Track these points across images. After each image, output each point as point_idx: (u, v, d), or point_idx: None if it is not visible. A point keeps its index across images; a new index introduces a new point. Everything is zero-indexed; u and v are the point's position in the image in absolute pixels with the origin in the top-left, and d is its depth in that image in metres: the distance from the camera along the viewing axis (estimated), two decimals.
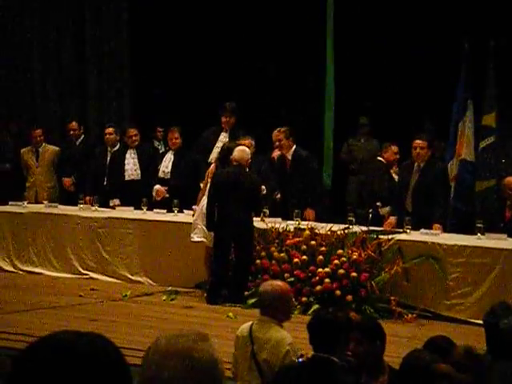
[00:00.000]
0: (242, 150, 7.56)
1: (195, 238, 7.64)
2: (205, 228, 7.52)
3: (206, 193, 7.63)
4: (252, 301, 6.93)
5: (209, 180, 7.73)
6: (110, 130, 9.48)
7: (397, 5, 9.95)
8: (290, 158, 8.23)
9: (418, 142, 7.67)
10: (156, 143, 11.04)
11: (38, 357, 1.36)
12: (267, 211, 8.04)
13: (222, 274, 7.41)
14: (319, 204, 8.10)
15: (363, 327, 3.96)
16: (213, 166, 7.88)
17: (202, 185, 7.90)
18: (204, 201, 7.62)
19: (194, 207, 7.85)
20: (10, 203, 9.27)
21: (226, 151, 7.73)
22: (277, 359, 4.06)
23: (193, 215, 7.83)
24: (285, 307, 4.24)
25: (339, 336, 3.88)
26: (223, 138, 9.12)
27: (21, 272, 8.65)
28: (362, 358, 3.81)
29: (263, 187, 7.85)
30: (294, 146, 8.24)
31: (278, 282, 4.54)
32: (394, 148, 8.43)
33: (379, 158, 8.52)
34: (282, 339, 4.09)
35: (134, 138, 9.26)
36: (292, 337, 4.28)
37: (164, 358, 1.58)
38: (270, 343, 4.13)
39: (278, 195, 8.38)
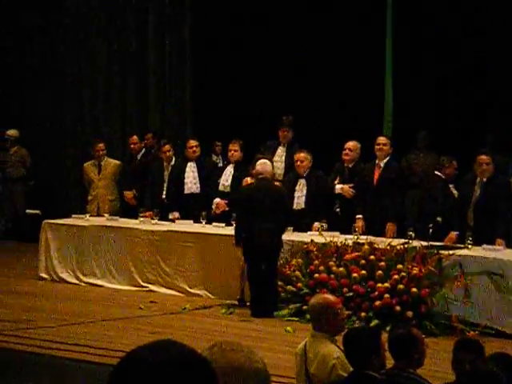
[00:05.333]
0: (264, 163, 7.67)
1: None
2: None
3: None
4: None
5: None
6: (167, 147, 9.56)
7: (457, 11, 9.82)
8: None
9: (483, 157, 7.57)
10: (214, 157, 11.12)
11: (133, 370, 1.36)
12: (325, 225, 8.05)
13: (258, 286, 7.43)
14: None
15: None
16: (249, 179, 7.93)
17: None
18: None
19: None
20: (72, 216, 9.46)
21: None
22: (324, 373, 4.05)
23: None
24: (332, 320, 4.20)
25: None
26: (280, 151, 9.15)
27: (83, 284, 8.81)
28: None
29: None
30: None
31: (324, 295, 4.53)
32: (455, 163, 8.34)
33: (437, 173, 8.40)
34: (329, 353, 4.07)
35: (194, 148, 9.30)
36: None
37: (228, 374, 1.59)
38: (317, 358, 4.13)
39: (338, 209, 8.43)
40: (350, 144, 8.54)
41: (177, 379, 1.33)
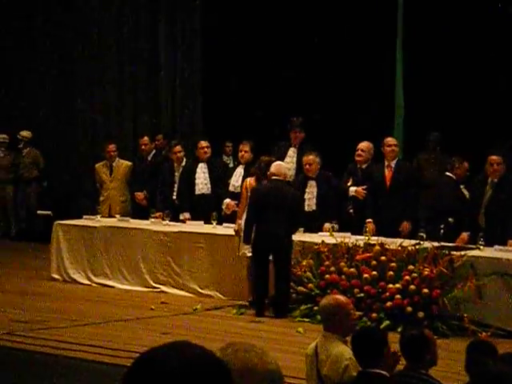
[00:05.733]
0: (280, 165, 7.70)
1: (247, 253, 7.72)
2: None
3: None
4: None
5: (247, 194, 7.81)
6: (178, 147, 9.55)
7: (469, 11, 9.80)
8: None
9: (494, 158, 7.55)
10: (225, 158, 11.13)
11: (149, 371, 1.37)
12: (336, 226, 8.05)
13: (263, 286, 7.47)
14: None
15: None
16: (251, 180, 7.94)
17: (241, 199, 7.98)
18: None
19: (239, 222, 7.88)
20: (84, 217, 9.50)
21: (265, 166, 7.78)
22: (337, 374, 4.05)
23: (235, 231, 7.89)
24: (343, 321, 4.21)
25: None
26: (292, 153, 9.14)
27: (94, 285, 8.84)
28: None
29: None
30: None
31: (335, 296, 4.53)
32: (466, 164, 8.33)
33: (448, 174, 8.39)
34: (342, 354, 4.07)
35: (206, 149, 9.29)
36: None
37: (241, 375, 1.59)
38: (330, 358, 4.13)
39: (351, 210, 8.43)
40: (363, 145, 8.53)
41: (193, 380, 1.34)
